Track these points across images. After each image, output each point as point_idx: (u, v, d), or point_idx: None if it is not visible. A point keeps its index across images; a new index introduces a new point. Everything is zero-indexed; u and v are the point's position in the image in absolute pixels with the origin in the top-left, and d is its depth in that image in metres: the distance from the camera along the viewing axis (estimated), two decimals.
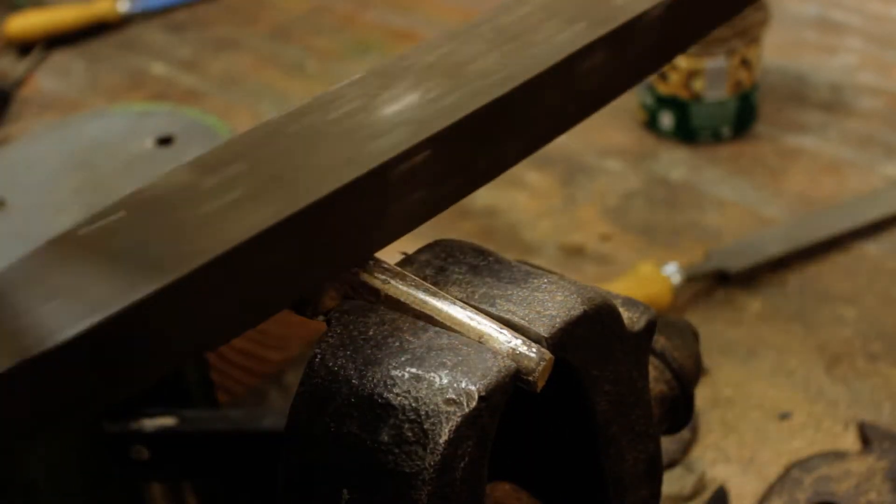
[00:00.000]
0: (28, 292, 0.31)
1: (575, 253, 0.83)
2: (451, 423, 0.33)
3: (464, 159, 0.38)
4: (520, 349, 0.35)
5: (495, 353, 0.35)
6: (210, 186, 0.35)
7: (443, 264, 0.39)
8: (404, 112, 0.38)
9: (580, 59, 0.41)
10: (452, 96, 0.38)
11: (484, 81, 0.39)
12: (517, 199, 0.89)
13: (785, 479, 0.62)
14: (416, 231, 0.39)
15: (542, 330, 0.36)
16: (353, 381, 0.35)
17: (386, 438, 0.34)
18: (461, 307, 0.37)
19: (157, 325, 0.30)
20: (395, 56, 0.42)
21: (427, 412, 0.34)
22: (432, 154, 0.36)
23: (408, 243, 0.41)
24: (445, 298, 0.37)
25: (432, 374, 0.34)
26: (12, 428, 0.29)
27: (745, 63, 0.91)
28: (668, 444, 0.63)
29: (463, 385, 0.34)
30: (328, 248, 0.35)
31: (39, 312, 0.30)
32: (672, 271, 0.76)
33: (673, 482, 0.63)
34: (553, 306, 0.37)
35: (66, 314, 0.29)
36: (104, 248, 0.33)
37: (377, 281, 0.37)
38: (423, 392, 0.34)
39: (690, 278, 0.77)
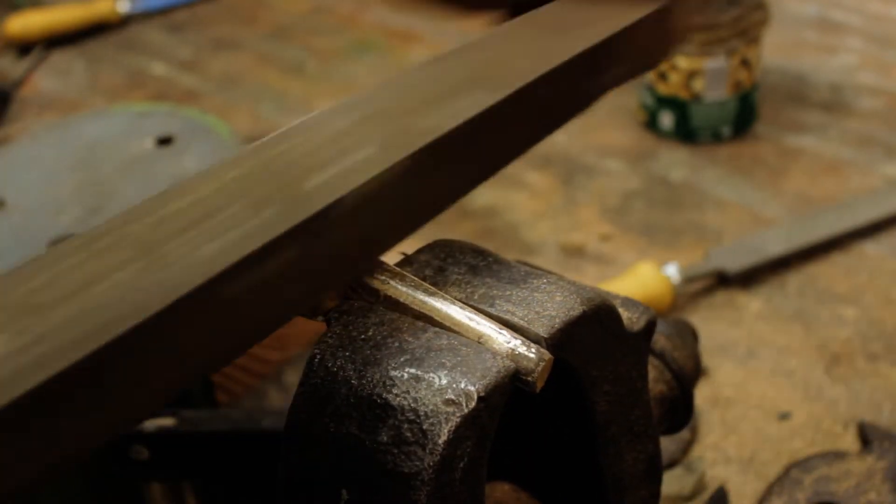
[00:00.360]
0: None
1: (575, 253, 0.83)
2: (450, 424, 0.33)
3: (34, 441, 0.26)
4: (519, 349, 0.35)
5: (494, 353, 0.35)
6: None
7: (442, 264, 0.39)
8: None
9: (242, 273, 0.29)
10: (41, 347, 0.26)
11: (95, 319, 0.27)
12: (517, 199, 0.90)
13: (785, 479, 0.62)
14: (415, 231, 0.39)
15: (542, 330, 0.36)
16: (353, 381, 0.35)
17: (385, 439, 0.34)
18: (460, 307, 0.37)
19: None
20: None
21: (426, 412, 0.34)
22: None
23: (407, 243, 0.41)
24: (445, 299, 0.37)
25: (431, 374, 0.34)
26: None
27: (745, 63, 0.91)
28: (668, 444, 0.63)
29: (462, 385, 0.34)
30: None
31: None
32: (672, 271, 0.76)
33: (673, 482, 0.63)
34: (552, 307, 0.37)
35: None
36: None
37: (376, 281, 0.37)
38: (423, 392, 0.34)
39: (690, 278, 0.77)
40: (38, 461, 0.26)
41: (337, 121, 0.35)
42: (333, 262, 0.32)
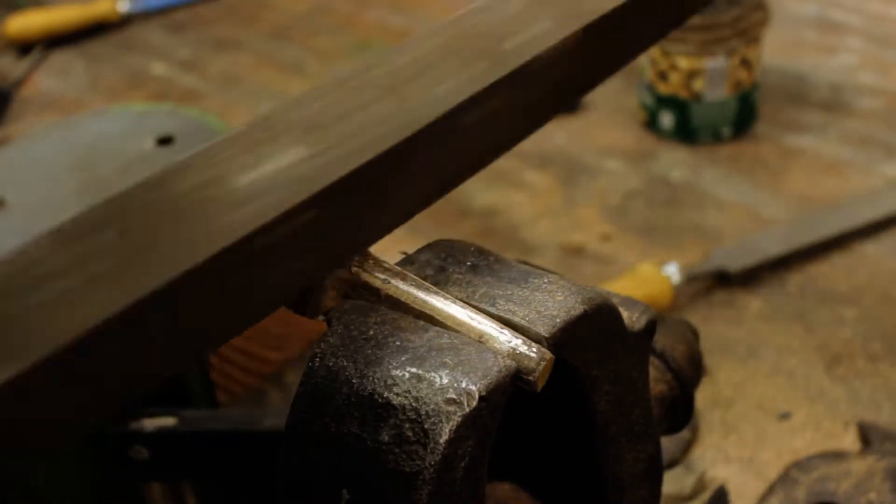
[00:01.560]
0: None
1: (575, 253, 0.83)
2: (451, 423, 0.33)
3: (345, 223, 0.34)
4: (520, 349, 0.35)
5: (496, 352, 0.35)
6: (65, 262, 0.30)
7: (443, 264, 0.39)
8: (281, 172, 0.34)
9: (471, 108, 0.38)
10: (332, 153, 0.35)
11: (368, 135, 0.36)
12: (517, 199, 0.89)
13: (785, 479, 0.62)
14: (416, 231, 0.39)
15: (543, 330, 0.36)
16: (354, 380, 0.35)
17: (386, 438, 0.34)
18: (461, 307, 0.37)
19: None
20: (278, 106, 0.38)
21: (427, 412, 0.34)
22: (310, 219, 0.33)
23: (408, 243, 0.41)
24: (446, 298, 0.37)
25: (433, 373, 0.34)
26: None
27: (745, 63, 0.91)
28: (668, 444, 0.63)
29: (463, 385, 0.34)
30: (190, 329, 0.31)
31: None
32: (672, 271, 0.76)
33: (673, 482, 0.63)
34: (553, 306, 0.37)
35: None
36: None
37: (377, 281, 0.37)
38: (424, 392, 0.34)
39: (690, 278, 0.77)
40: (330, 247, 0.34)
41: (509, 5, 0.43)
42: (532, 108, 0.41)
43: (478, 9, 0.43)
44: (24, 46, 1.21)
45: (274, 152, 0.35)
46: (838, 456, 0.63)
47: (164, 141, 0.81)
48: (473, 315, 0.36)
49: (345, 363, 0.36)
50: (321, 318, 0.38)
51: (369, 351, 0.35)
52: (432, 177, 0.38)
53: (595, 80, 0.45)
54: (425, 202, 0.38)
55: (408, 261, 0.40)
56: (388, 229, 0.37)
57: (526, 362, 0.35)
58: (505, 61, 0.39)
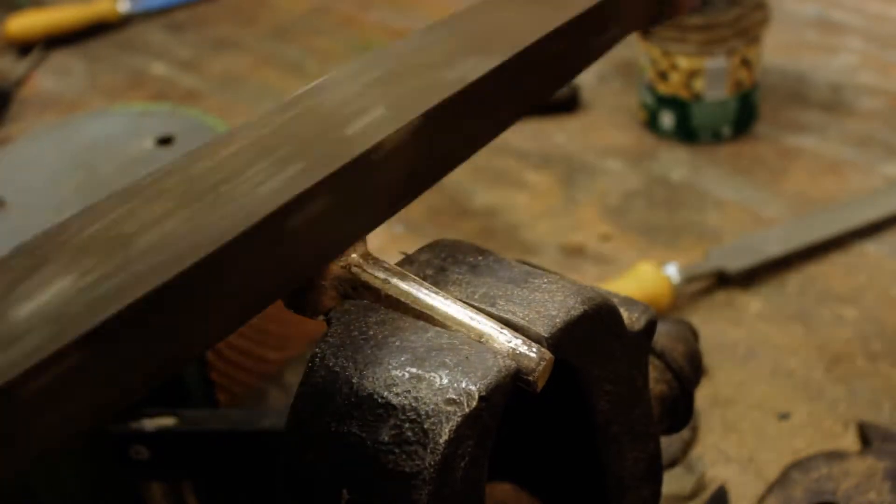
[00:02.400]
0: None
1: (575, 253, 0.83)
2: (451, 423, 0.33)
3: (122, 365, 0.30)
4: (520, 349, 0.35)
5: (496, 352, 0.35)
6: None
7: (443, 264, 0.39)
8: (46, 307, 0.29)
9: (292, 213, 0.33)
10: (112, 281, 0.30)
11: (157, 257, 0.31)
12: (517, 199, 0.89)
13: (784, 479, 0.62)
14: (416, 231, 0.39)
15: (543, 330, 0.36)
16: (354, 380, 0.35)
17: (386, 438, 0.34)
18: (461, 307, 0.37)
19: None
20: (53, 227, 0.34)
21: (427, 412, 0.34)
22: (77, 361, 0.28)
23: (408, 243, 0.41)
24: (446, 298, 0.37)
25: (433, 373, 0.34)
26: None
27: (746, 63, 0.91)
28: (668, 444, 0.63)
29: (463, 385, 0.34)
30: None
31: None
32: (672, 271, 0.76)
33: (673, 482, 0.63)
34: (553, 306, 0.37)
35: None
36: None
37: (377, 280, 0.37)
38: (424, 392, 0.34)
39: (690, 278, 0.77)
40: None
41: (348, 84, 0.40)
42: (369, 209, 0.37)
43: (314, 90, 0.39)
44: (24, 46, 1.21)
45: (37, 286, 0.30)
46: (838, 456, 0.63)
47: (164, 141, 0.81)
48: (473, 315, 0.36)
49: (345, 363, 0.36)
50: (321, 318, 0.38)
51: (369, 351, 0.35)
52: (239, 298, 0.33)
53: (433, 178, 0.40)
54: (236, 326, 0.33)
55: (408, 261, 0.40)
56: (189, 360, 0.33)
57: (526, 362, 0.35)
58: (337, 154, 0.35)
